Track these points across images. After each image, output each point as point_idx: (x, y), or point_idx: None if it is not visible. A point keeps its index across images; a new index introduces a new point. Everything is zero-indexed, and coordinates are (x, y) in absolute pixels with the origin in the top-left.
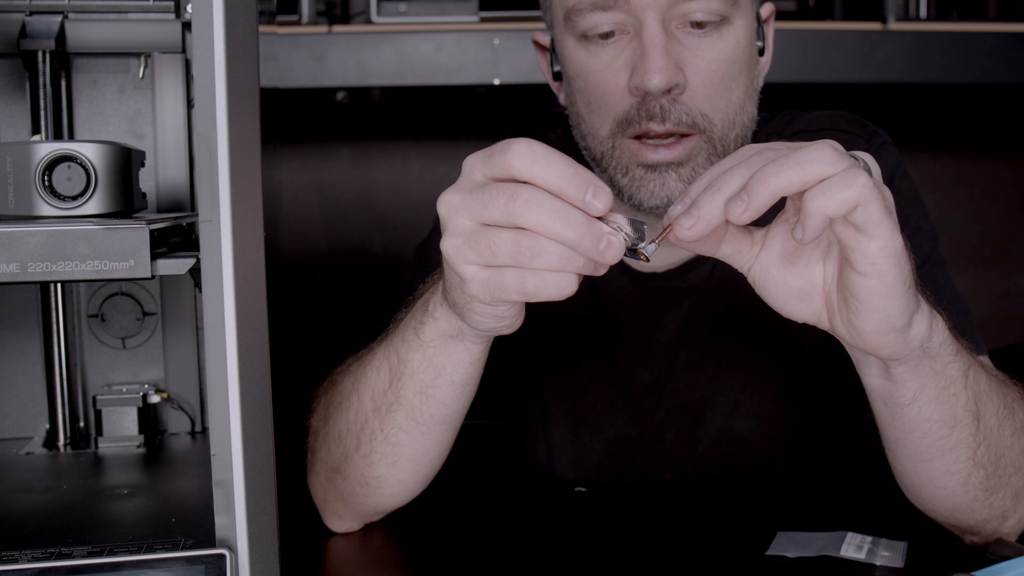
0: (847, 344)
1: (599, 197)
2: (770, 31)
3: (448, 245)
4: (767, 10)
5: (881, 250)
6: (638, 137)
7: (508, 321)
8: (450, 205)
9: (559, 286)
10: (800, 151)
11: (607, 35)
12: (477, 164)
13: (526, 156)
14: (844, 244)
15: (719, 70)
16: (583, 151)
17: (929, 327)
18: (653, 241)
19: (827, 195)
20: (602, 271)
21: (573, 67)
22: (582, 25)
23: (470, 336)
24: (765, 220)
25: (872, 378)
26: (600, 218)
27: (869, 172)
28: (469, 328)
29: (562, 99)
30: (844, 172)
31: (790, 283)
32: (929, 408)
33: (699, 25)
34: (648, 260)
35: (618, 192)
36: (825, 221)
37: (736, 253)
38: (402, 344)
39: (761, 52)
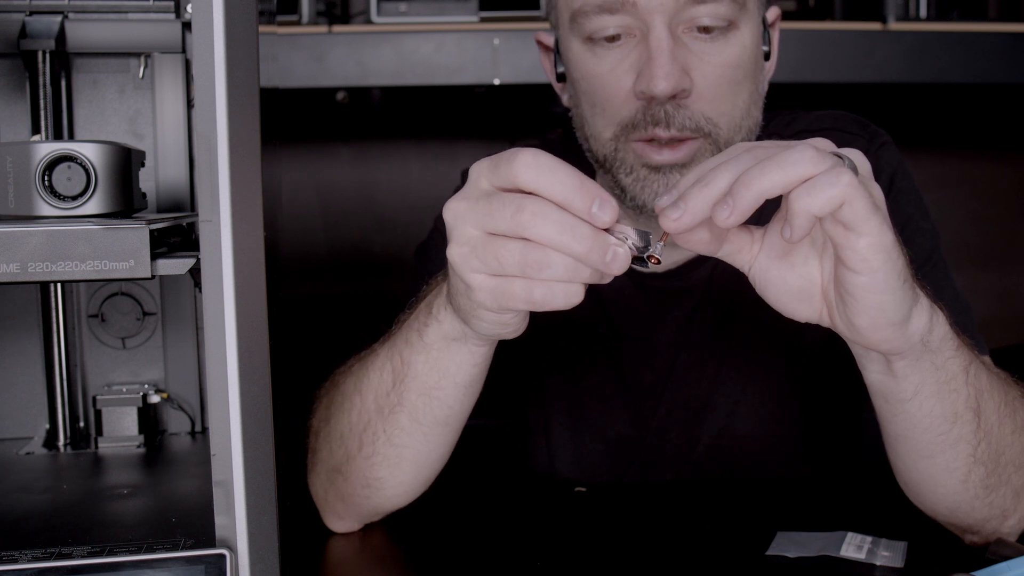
0: (848, 340)
1: (605, 209)
2: (776, 36)
3: (455, 253)
4: (773, 14)
5: (871, 246)
6: (643, 141)
7: (513, 327)
8: (456, 213)
9: (566, 296)
10: (782, 153)
11: (613, 38)
12: (484, 172)
13: (532, 167)
14: (834, 242)
15: (725, 75)
16: (586, 153)
17: (929, 321)
18: (659, 240)
19: (811, 195)
20: (608, 280)
21: (578, 69)
22: (588, 27)
23: (473, 339)
24: (765, 218)
25: (873, 374)
26: (606, 229)
27: (855, 170)
28: (472, 332)
29: (565, 100)
30: (828, 171)
31: (789, 282)
32: (930, 403)
33: (706, 30)
34: (659, 263)
35: (622, 192)
36: (811, 220)
37: (737, 252)
38: (405, 346)
39: (767, 57)
